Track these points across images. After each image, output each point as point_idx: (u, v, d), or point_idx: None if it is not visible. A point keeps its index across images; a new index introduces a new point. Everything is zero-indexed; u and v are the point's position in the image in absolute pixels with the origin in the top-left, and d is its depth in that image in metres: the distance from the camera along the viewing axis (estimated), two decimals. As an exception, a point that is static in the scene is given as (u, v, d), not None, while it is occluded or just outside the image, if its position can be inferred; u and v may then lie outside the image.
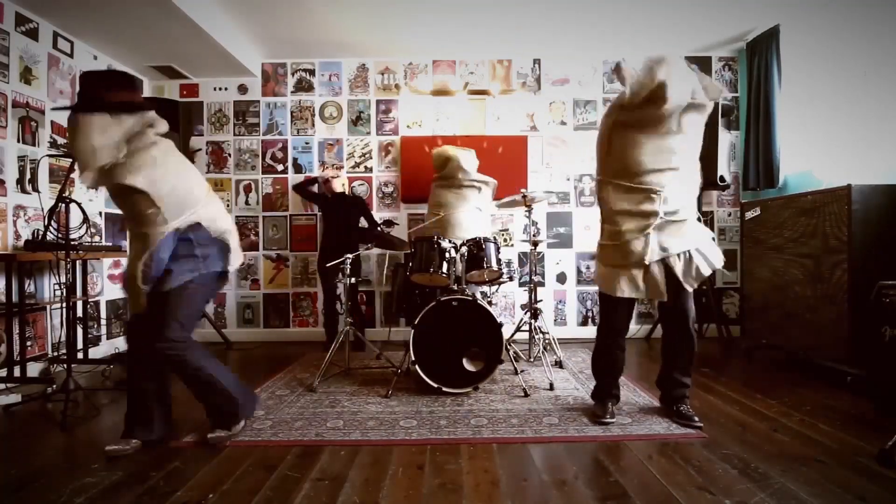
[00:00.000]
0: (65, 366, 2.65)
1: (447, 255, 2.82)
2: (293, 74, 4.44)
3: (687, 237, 2.16)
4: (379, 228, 3.77)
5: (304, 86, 4.44)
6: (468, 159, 3.63)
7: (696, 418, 2.21)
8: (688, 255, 2.13)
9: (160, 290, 1.96)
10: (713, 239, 2.26)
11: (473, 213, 3.53)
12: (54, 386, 2.76)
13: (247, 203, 4.43)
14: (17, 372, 2.88)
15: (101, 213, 3.92)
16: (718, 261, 2.18)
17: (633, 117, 2.13)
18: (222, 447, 2.05)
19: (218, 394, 2.10)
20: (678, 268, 2.13)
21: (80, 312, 3.49)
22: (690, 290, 2.17)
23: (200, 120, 4.43)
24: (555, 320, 4.41)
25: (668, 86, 2.01)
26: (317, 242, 4.41)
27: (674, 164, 2.14)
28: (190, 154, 4.22)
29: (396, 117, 4.42)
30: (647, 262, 2.12)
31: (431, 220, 3.54)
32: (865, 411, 2.39)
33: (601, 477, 1.78)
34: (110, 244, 3.90)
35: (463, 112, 4.41)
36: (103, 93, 1.93)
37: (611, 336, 2.34)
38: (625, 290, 2.16)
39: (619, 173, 2.19)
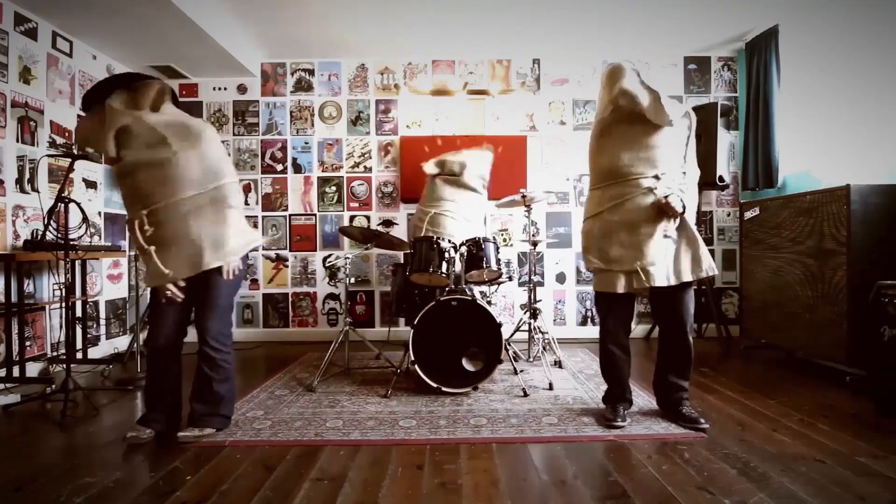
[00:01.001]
0: (64, 366, 2.65)
1: (447, 254, 2.82)
2: (292, 74, 4.44)
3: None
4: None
5: (303, 86, 4.44)
6: (482, 161, 3.64)
7: (703, 420, 2.19)
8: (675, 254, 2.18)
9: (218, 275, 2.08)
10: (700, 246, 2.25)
11: (462, 222, 3.47)
12: (53, 386, 2.76)
13: (246, 203, 4.43)
14: (16, 372, 2.88)
15: (100, 213, 3.92)
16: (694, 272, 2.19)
17: (609, 120, 2.28)
18: (222, 446, 2.05)
19: (229, 392, 2.19)
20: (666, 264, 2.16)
21: (79, 312, 3.50)
22: (668, 283, 2.16)
23: (200, 120, 4.42)
24: (554, 320, 4.41)
25: (629, 92, 2.16)
26: (316, 242, 4.42)
27: (655, 156, 2.17)
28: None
29: (396, 117, 4.42)
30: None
31: (420, 217, 3.50)
32: (865, 411, 2.39)
33: (600, 477, 1.78)
34: (109, 244, 3.89)
35: (462, 112, 4.41)
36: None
37: (610, 337, 2.34)
38: (622, 286, 2.20)
39: (605, 174, 2.29)
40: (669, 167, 2.20)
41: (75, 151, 3.56)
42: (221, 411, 2.18)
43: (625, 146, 2.21)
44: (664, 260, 2.16)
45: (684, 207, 2.16)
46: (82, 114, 3.53)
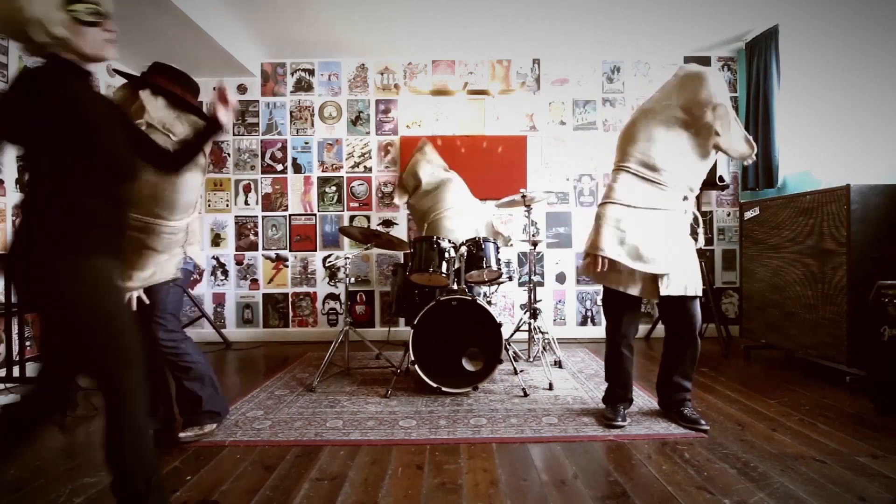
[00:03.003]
0: (64, 366, 2.64)
1: (447, 254, 2.82)
2: (292, 74, 4.44)
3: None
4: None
5: (303, 85, 4.44)
6: (424, 156, 3.68)
7: (703, 421, 2.19)
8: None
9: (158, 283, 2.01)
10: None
11: (455, 211, 3.43)
12: (53, 386, 2.75)
13: (246, 203, 4.43)
14: (16, 372, 2.87)
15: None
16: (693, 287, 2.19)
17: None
18: (221, 446, 2.05)
19: (205, 389, 2.16)
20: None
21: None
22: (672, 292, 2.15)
23: (200, 120, 4.42)
24: (554, 320, 4.41)
25: (721, 113, 2.10)
26: (316, 242, 4.42)
27: (695, 173, 2.20)
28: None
29: (396, 117, 4.42)
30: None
31: (421, 230, 3.49)
32: (865, 411, 2.39)
33: (600, 477, 1.78)
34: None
35: (462, 112, 4.41)
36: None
37: (622, 339, 2.30)
38: (638, 290, 2.18)
39: (649, 166, 2.18)
40: (696, 187, 2.25)
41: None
42: (205, 408, 2.15)
43: (681, 152, 2.16)
44: (678, 270, 2.16)
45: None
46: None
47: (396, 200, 3.78)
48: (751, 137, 2.18)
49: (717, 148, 2.14)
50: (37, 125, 1.22)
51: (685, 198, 2.20)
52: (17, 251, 1.23)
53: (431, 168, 3.64)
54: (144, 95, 1.92)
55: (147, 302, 2.01)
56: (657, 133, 2.16)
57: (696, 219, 2.30)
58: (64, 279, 1.21)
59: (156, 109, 1.92)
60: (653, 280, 2.15)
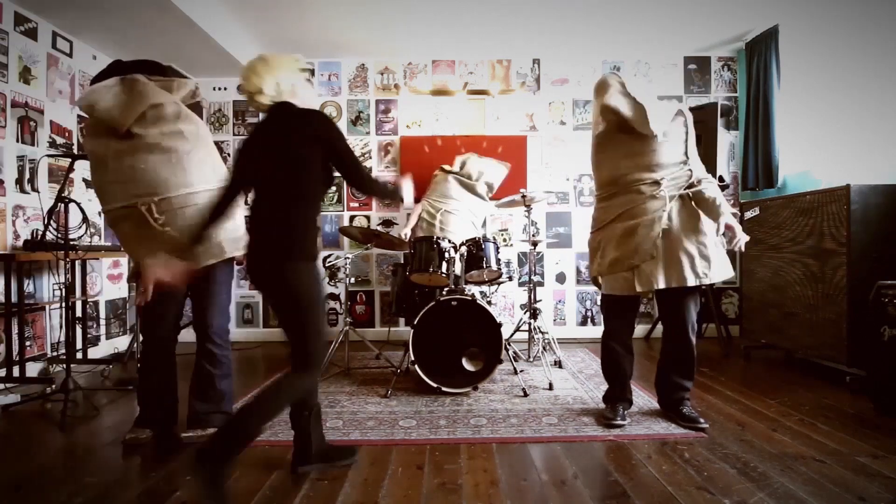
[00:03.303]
0: (64, 366, 2.65)
1: (447, 255, 2.82)
2: (292, 74, 4.43)
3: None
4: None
5: (303, 86, 4.43)
6: (498, 174, 3.76)
7: (702, 420, 2.20)
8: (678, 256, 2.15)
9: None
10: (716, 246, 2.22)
11: (468, 223, 3.55)
12: (53, 386, 2.75)
13: (246, 203, 4.41)
14: (16, 372, 2.88)
15: (100, 213, 3.91)
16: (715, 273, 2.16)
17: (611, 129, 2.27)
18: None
19: (227, 389, 2.19)
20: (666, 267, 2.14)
21: (79, 312, 3.49)
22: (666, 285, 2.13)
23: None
24: (554, 320, 4.41)
25: (611, 108, 2.14)
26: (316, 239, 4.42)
27: (654, 160, 2.16)
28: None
29: (396, 117, 4.42)
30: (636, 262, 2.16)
31: (431, 212, 3.51)
32: (865, 411, 2.39)
33: (600, 477, 1.78)
34: (109, 244, 3.89)
35: (462, 112, 4.41)
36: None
37: (612, 335, 2.33)
38: (625, 288, 2.19)
39: (606, 184, 2.30)
40: (670, 168, 2.18)
41: (75, 151, 3.57)
42: (223, 408, 2.18)
43: (623, 155, 2.21)
44: (664, 261, 2.14)
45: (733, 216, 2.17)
46: (83, 114, 3.55)
47: (456, 167, 3.72)
48: (629, 93, 2.17)
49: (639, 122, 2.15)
50: (310, 151, 1.65)
51: (654, 182, 2.15)
52: (268, 256, 1.68)
53: (493, 175, 3.74)
54: (142, 79, 2.04)
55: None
56: (605, 157, 2.29)
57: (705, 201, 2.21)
58: (301, 277, 1.64)
59: (153, 86, 2.07)
60: (626, 277, 2.19)
